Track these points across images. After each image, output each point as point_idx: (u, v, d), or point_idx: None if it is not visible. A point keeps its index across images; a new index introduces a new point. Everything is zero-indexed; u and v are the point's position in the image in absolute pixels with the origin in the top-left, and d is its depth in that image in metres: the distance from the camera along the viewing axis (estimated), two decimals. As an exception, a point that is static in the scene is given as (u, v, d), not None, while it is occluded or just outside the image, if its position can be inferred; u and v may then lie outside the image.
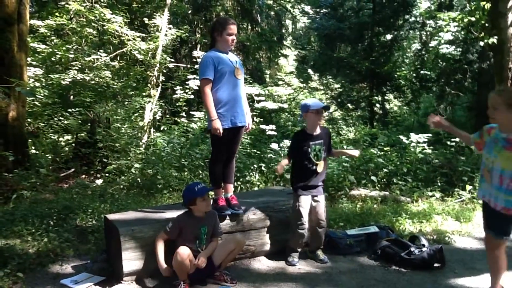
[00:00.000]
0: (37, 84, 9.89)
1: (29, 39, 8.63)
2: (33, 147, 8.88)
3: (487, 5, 9.00)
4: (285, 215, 4.46)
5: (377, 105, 19.54)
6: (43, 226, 4.72)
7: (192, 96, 11.48)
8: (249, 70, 16.00)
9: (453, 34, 15.24)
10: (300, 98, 17.53)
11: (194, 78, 10.85)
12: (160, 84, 12.14)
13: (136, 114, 11.64)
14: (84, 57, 10.96)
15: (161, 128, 11.40)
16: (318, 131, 4.33)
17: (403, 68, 19.07)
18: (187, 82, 11.22)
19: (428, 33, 19.35)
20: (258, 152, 8.66)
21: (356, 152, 4.60)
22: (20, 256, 3.98)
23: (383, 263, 4.34)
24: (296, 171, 4.42)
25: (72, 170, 8.52)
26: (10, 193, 6.11)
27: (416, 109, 19.28)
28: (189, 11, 15.38)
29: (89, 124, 9.90)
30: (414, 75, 18.36)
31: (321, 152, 4.30)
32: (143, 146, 9.66)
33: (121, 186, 7.26)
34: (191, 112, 11.24)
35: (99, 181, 7.93)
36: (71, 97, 11.43)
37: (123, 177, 7.73)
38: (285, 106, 14.25)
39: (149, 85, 11.83)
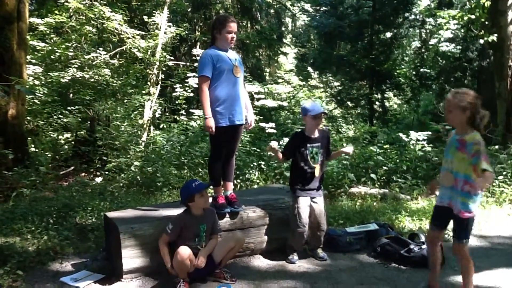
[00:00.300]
0: (37, 82, 9.89)
1: (28, 37, 8.64)
2: (32, 145, 8.89)
3: (487, 3, 9.01)
4: (285, 213, 4.46)
5: (377, 103, 19.55)
6: (43, 224, 4.72)
7: (191, 94, 11.48)
8: (248, 68, 16.00)
9: (453, 32, 15.22)
10: (299, 96, 17.56)
11: (193, 76, 10.84)
12: (160, 82, 12.14)
13: (135, 112, 11.66)
14: (83, 55, 10.96)
15: (161, 126, 11.41)
16: (316, 134, 4.33)
17: (402, 66, 19.08)
18: (186, 80, 11.22)
19: (428, 31, 19.34)
20: (257, 150, 8.66)
21: (349, 149, 4.50)
22: (20, 254, 3.98)
23: (382, 261, 4.33)
24: (294, 172, 4.42)
25: (72, 168, 8.54)
26: (10, 191, 6.12)
27: (416, 107, 19.28)
28: (189, 9, 15.37)
29: (89, 122, 9.91)
30: (414, 73, 18.37)
31: (317, 155, 4.29)
32: (143, 144, 9.67)
33: (121, 184, 7.27)
34: (190, 110, 11.23)
35: (98, 179, 7.93)
36: (71, 95, 11.43)
37: (122, 175, 7.74)
38: (285, 104, 14.27)
39: (148, 83, 11.83)
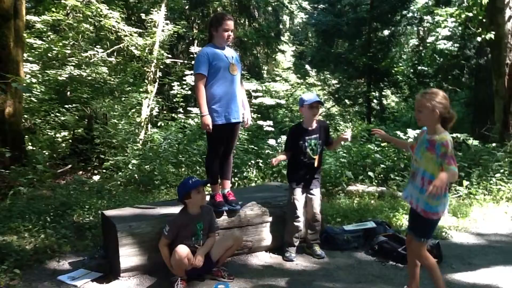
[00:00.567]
0: (34, 80, 9.84)
1: (25, 35, 8.60)
2: (30, 143, 8.87)
3: (485, 1, 9.00)
4: (283, 211, 4.46)
5: (375, 100, 19.55)
6: (40, 222, 4.72)
7: (189, 92, 11.47)
8: (246, 65, 15.98)
9: (451, 29, 15.22)
10: (297, 94, 17.53)
11: (191, 74, 10.83)
12: (157, 80, 12.11)
13: (133, 110, 11.62)
14: (81, 53, 10.92)
15: (158, 124, 11.40)
16: (314, 125, 4.34)
17: (400, 64, 19.05)
18: (184, 78, 11.21)
19: (426, 28, 19.35)
20: (255, 148, 8.67)
21: (347, 134, 4.34)
22: (17, 253, 3.98)
23: (380, 259, 4.34)
24: (292, 165, 4.43)
25: (69, 166, 8.52)
26: (7, 189, 6.10)
27: (414, 104, 19.25)
28: (186, 7, 15.33)
29: (86, 120, 9.89)
30: (412, 70, 18.34)
31: (317, 146, 4.30)
32: (140, 142, 9.66)
33: (119, 182, 7.26)
34: (188, 108, 11.22)
35: (96, 177, 7.92)
36: (68, 93, 11.39)
37: (120, 173, 7.72)
38: (283, 102, 14.26)
39: (146, 81, 11.81)
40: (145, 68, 11.84)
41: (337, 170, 7.65)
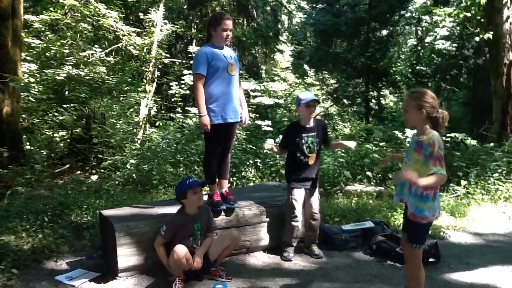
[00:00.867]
0: (32, 80, 9.83)
1: (23, 34, 8.58)
2: (27, 143, 8.85)
3: (483, 1, 9.02)
4: (281, 211, 4.46)
5: (373, 100, 19.57)
6: (38, 222, 4.71)
7: (187, 92, 11.46)
8: (245, 65, 15.97)
9: (449, 29, 15.24)
10: (296, 93, 17.51)
11: (189, 74, 10.82)
12: (156, 80, 12.10)
13: (131, 110, 11.62)
14: (79, 53, 10.91)
15: (157, 124, 11.39)
16: (311, 123, 4.35)
17: (399, 64, 19.07)
18: (182, 78, 11.20)
19: (424, 28, 19.34)
20: (253, 147, 8.66)
21: (352, 144, 4.50)
22: (14, 253, 3.97)
23: (378, 258, 4.34)
24: (289, 163, 4.45)
25: (67, 166, 8.52)
26: (5, 189, 6.09)
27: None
28: (185, 6, 15.32)
29: (84, 120, 9.88)
30: (410, 70, 18.36)
31: (313, 144, 4.30)
32: (139, 142, 9.65)
33: (117, 182, 7.26)
34: (186, 108, 11.22)
35: (94, 177, 7.92)
36: (66, 92, 11.38)
37: (118, 173, 7.72)
38: (281, 101, 14.26)
39: (144, 80, 11.79)
40: (143, 68, 11.82)
41: (335, 170, 7.65)
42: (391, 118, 17.29)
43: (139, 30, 11.81)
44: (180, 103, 11.48)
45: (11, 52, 7.07)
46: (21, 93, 7.69)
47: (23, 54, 8.74)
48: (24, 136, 8.58)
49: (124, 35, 11.19)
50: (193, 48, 12.06)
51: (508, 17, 8.75)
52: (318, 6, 19.62)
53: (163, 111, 12.55)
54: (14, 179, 6.42)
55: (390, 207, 5.95)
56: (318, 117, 18.29)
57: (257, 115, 11.30)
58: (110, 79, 11.31)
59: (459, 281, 3.85)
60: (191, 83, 10.52)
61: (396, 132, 9.17)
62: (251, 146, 8.75)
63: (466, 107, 17.53)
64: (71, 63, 10.58)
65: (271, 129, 10.10)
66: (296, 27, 24.65)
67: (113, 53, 12.03)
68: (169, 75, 12.41)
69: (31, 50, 10.34)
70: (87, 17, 10.92)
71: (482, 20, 9.35)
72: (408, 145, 3.27)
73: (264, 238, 4.45)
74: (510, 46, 8.77)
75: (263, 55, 19.04)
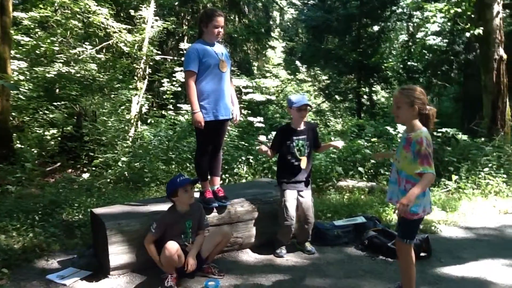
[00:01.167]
0: (22, 78, 9.75)
1: (12, 32, 8.51)
2: (18, 142, 8.78)
3: (473, -3, 9.07)
4: (273, 207, 4.46)
5: (365, 96, 19.62)
6: (29, 221, 4.68)
7: (179, 89, 11.42)
8: (236, 62, 15.94)
9: (440, 25, 15.31)
10: (288, 90, 17.56)
11: (181, 71, 10.76)
12: (147, 77, 12.05)
13: (122, 107, 11.56)
14: (69, 50, 10.84)
15: (148, 121, 11.34)
16: (302, 126, 4.35)
17: (390, 60, 19.11)
18: (174, 75, 11.14)
19: (415, 24, 19.42)
20: (246, 144, 8.65)
21: (339, 143, 4.59)
22: (5, 252, 3.94)
23: (370, 253, 4.37)
24: (281, 166, 4.46)
25: (58, 164, 8.45)
26: (-5, 188, 6.05)
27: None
28: (176, 3, 15.24)
29: (75, 118, 9.80)
30: (401, 66, 18.44)
31: (304, 147, 4.31)
32: (130, 139, 9.60)
33: (108, 180, 7.22)
34: (178, 105, 11.17)
35: (85, 175, 7.87)
36: (57, 90, 11.30)
37: (110, 170, 7.68)
38: (273, 98, 14.25)
39: (135, 77, 11.74)
40: (134, 65, 11.76)
41: (328, 165, 7.66)
42: (383, 114, 17.39)
43: (130, 27, 11.74)
44: (171, 100, 11.43)
45: (0, 50, 7.00)
46: (11, 91, 7.62)
47: (12, 52, 8.66)
48: (15, 134, 8.52)
49: (115, 32, 11.14)
50: (184, 45, 12.01)
51: (498, 13, 8.81)
52: (309, 2, 19.64)
53: (154, 108, 12.49)
54: (4, 178, 6.39)
55: (382, 203, 5.97)
56: (311, 114, 18.34)
57: (249, 111, 11.28)
58: (101, 76, 11.25)
59: (450, 275, 3.88)
60: (183, 80, 10.47)
61: (388, 127, 9.20)
62: (243, 143, 8.74)
63: (457, 102, 17.65)
64: (62, 61, 10.51)
65: (263, 125, 10.09)
66: (288, 23, 24.66)
67: (104, 50, 11.96)
68: (161, 72, 12.35)
69: (20, 47, 10.25)
70: (78, 14, 10.84)
71: (473, 15, 9.40)
72: (399, 140, 3.27)
73: (256, 235, 4.45)
74: (500, 41, 8.84)
75: (254, 51, 19.03)
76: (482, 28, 8.88)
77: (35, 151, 8.79)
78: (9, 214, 4.82)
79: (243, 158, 7.92)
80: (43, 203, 5.29)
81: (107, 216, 3.86)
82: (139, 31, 11.57)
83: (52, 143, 9.72)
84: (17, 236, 4.35)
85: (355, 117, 17.56)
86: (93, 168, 7.95)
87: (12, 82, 7.50)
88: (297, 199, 4.31)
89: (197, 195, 4.34)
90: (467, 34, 9.69)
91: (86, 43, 11.36)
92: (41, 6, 10.75)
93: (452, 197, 6.59)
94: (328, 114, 20.07)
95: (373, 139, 8.91)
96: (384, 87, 20.03)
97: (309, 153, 4.38)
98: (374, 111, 18.47)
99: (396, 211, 2.97)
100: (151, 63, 12.26)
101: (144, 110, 11.70)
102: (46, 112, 10.23)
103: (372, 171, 7.82)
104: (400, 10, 18.63)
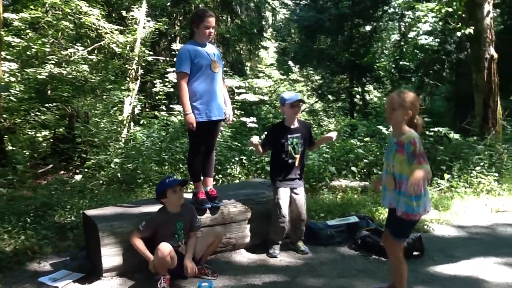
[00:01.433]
0: (13, 79, 9.67)
1: (3, 33, 8.45)
2: (9, 144, 8.73)
3: (464, -4, 9.12)
4: (266, 208, 4.46)
5: (357, 96, 19.67)
6: (20, 223, 4.66)
7: (171, 90, 11.38)
8: (229, 62, 15.92)
9: (431, 25, 15.40)
10: (280, 90, 17.52)
11: (173, 71, 10.72)
12: (139, 78, 12.01)
13: (115, 108, 11.51)
14: (61, 51, 10.75)
15: (141, 122, 11.30)
16: (296, 124, 4.35)
17: (382, 59, 19.22)
18: (166, 75, 11.12)
19: (407, 24, 19.51)
20: (239, 144, 8.64)
21: (333, 134, 4.47)
22: (-4, 255, 3.91)
23: (363, 253, 4.38)
24: (274, 164, 4.45)
25: (51, 166, 8.41)
26: (-14, 190, 6.00)
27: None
28: (168, 3, 15.19)
29: (67, 119, 9.76)
30: (394, 66, 18.53)
31: (298, 145, 4.31)
32: (123, 140, 9.56)
33: (101, 182, 7.20)
34: (171, 106, 11.14)
35: (78, 177, 7.84)
36: (48, 91, 11.22)
37: (102, 172, 7.65)
38: (266, 98, 14.22)
39: (128, 78, 11.70)
40: (126, 66, 11.72)
41: (321, 165, 7.67)
42: (375, 113, 17.45)
43: (121, 28, 11.68)
44: (164, 101, 11.39)
45: (-10, 51, 6.96)
46: (2, 93, 7.56)
47: (3, 53, 8.59)
48: (6, 136, 8.46)
49: (106, 33, 11.08)
50: (176, 46, 11.99)
51: (488, 12, 8.85)
52: (301, 2, 19.67)
53: (147, 109, 12.45)
54: (-5, 180, 6.34)
55: (375, 202, 5.99)
56: (304, 114, 18.38)
57: (242, 112, 11.28)
58: (93, 77, 11.18)
59: (442, 273, 3.90)
60: (175, 80, 10.45)
61: (380, 127, 9.23)
62: (236, 143, 8.73)
63: (449, 101, 17.75)
64: (53, 62, 10.43)
65: (256, 125, 10.08)
66: (280, 23, 24.67)
67: (96, 51, 11.88)
68: (153, 73, 12.32)
69: (11, 48, 10.16)
70: (69, 15, 10.76)
71: (464, 15, 9.45)
72: (387, 145, 3.29)
73: (250, 235, 4.45)
74: (491, 40, 8.88)
75: (247, 51, 19.00)
76: (473, 27, 8.93)
77: (27, 153, 8.74)
78: (1, 217, 4.79)
79: (236, 158, 7.91)
80: (35, 205, 5.27)
81: (99, 217, 3.84)
82: (131, 32, 11.53)
83: (44, 144, 9.67)
84: (8, 238, 4.32)
85: (348, 116, 17.60)
86: (86, 170, 7.91)
87: (3, 83, 7.44)
88: (291, 196, 4.32)
89: (190, 196, 4.34)
90: (458, 34, 9.75)
91: (78, 44, 11.30)
92: (32, 7, 10.67)
93: (444, 196, 6.62)
94: (321, 114, 20.11)
95: (365, 139, 8.93)
96: (376, 86, 20.10)
97: (303, 151, 4.38)
98: (366, 110, 18.50)
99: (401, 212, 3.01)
100: (143, 64, 12.22)
101: (136, 111, 11.67)
102: (38, 113, 10.16)
103: (365, 170, 7.85)
104: (392, 10, 18.75)
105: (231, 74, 13.14)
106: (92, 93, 11.45)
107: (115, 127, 10.35)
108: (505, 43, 12.52)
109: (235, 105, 10.34)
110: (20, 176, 6.83)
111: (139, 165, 7.52)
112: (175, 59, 4.13)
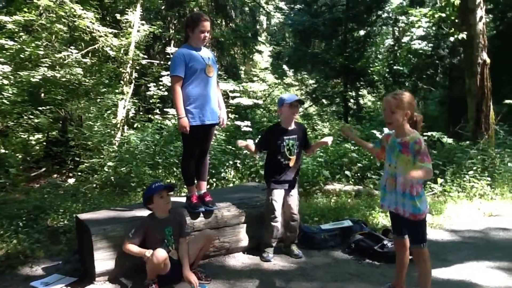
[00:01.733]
0: (6, 82, 9.61)
1: (-4, 36, 8.41)
2: (2, 147, 8.68)
3: (457, 1, 9.18)
4: (260, 211, 4.46)
5: (351, 100, 19.74)
6: (12, 227, 4.63)
7: (166, 93, 11.37)
8: (223, 66, 15.94)
9: (425, 29, 15.49)
10: (275, 94, 17.59)
11: (167, 75, 10.72)
12: (133, 81, 11.97)
13: (109, 112, 11.47)
14: (54, 54, 10.70)
15: (135, 126, 11.27)
16: (292, 126, 4.36)
17: (376, 64, 19.29)
18: (160, 79, 11.11)
19: (401, 28, 19.63)
20: (233, 148, 8.64)
21: (328, 138, 4.55)
22: (-12, 259, 3.89)
23: (357, 257, 4.39)
24: (269, 165, 4.45)
25: (44, 169, 8.38)
26: (-22, 194, 5.96)
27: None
28: (162, 7, 15.19)
29: (61, 122, 9.73)
30: (387, 70, 18.60)
31: (294, 147, 4.32)
32: (116, 144, 9.53)
33: (94, 185, 7.17)
34: (165, 109, 11.13)
35: (71, 180, 7.81)
36: (42, 95, 11.16)
37: (96, 175, 7.62)
38: (260, 102, 14.26)
39: (122, 82, 11.65)
40: (120, 69, 11.68)
41: (315, 169, 7.69)
42: (369, 118, 17.53)
43: (116, 31, 11.66)
44: (158, 105, 11.38)
45: (-17, 54, 6.92)
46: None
47: (-4, 56, 8.56)
48: (-1, 139, 8.42)
49: (100, 36, 11.04)
50: (171, 49, 11.99)
51: (481, 18, 8.92)
52: (296, 7, 19.73)
53: (141, 113, 12.43)
54: (-13, 184, 6.30)
55: (369, 206, 6.01)
56: (298, 118, 18.39)
57: (236, 115, 11.29)
58: (87, 80, 11.12)
59: (435, 277, 3.89)
60: (170, 84, 10.45)
61: (374, 131, 9.27)
62: (230, 147, 8.74)
63: (442, 106, 17.83)
64: (47, 65, 10.38)
65: (250, 129, 10.09)
66: (275, 27, 24.74)
67: (90, 55, 11.84)
68: (147, 76, 12.30)
69: (4, 51, 10.11)
70: (63, 18, 10.72)
71: (457, 20, 9.52)
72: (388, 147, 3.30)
73: (243, 239, 4.44)
74: (484, 46, 8.95)
75: (242, 55, 19.02)
76: (466, 32, 8.99)
77: (20, 156, 8.70)
78: (-7, 221, 4.76)
79: (230, 162, 7.92)
80: (27, 209, 5.24)
81: (92, 221, 3.82)
82: (125, 35, 11.50)
83: (37, 148, 9.64)
84: (0, 242, 4.29)
85: (342, 120, 17.66)
86: (79, 173, 7.89)
87: (-5, 86, 7.41)
88: (284, 197, 4.34)
89: (183, 200, 4.33)
90: (452, 39, 9.81)
91: (72, 47, 11.25)
92: (25, 9, 10.62)
93: (437, 200, 6.65)
94: (315, 118, 20.16)
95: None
96: (370, 91, 20.20)
97: (298, 153, 4.39)
98: (360, 114, 18.59)
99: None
100: (137, 67, 12.19)
101: (130, 114, 11.63)
102: (31, 116, 10.11)
103: (358, 174, 7.87)
104: (385, 14, 18.84)
105: (225, 78, 13.15)
106: (86, 96, 11.40)
107: (108, 130, 10.31)
108: (498, 48, 12.61)
109: (229, 109, 10.35)
110: (13, 180, 6.80)
111: (132, 168, 7.50)
112: (169, 63, 4.12)
